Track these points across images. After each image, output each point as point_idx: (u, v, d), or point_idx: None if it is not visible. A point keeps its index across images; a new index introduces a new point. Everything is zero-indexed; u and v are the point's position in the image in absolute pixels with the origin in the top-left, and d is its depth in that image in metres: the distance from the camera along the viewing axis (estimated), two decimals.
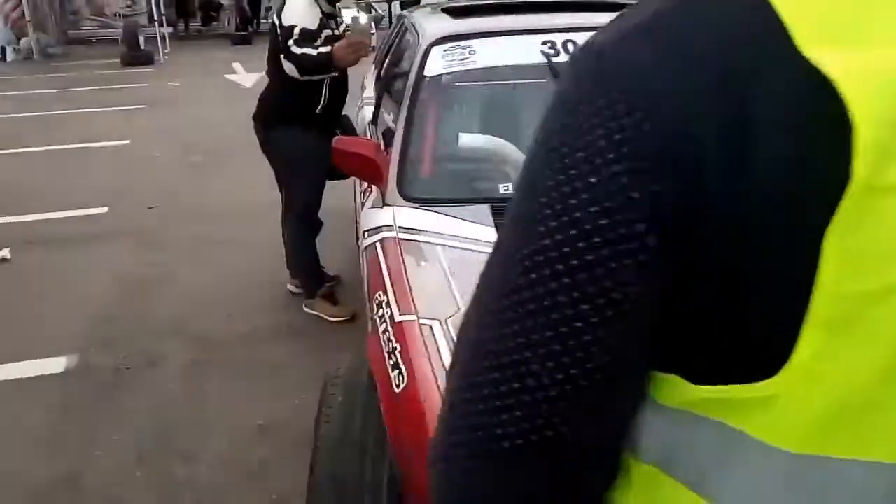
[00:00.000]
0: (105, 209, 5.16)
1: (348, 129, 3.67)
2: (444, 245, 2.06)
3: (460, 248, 2.06)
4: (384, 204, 2.38)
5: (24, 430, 2.69)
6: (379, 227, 2.29)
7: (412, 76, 2.61)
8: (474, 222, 2.17)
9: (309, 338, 3.36)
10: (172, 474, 2.46)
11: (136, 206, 5.21)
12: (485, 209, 2.22)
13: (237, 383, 2.99)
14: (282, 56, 3.09)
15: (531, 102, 2.95)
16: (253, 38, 17.69)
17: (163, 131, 7.81)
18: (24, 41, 15.54)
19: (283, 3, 3.19)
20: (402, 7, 7.85)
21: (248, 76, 11.97)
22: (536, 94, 2.91)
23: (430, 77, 2.60)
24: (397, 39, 3.52)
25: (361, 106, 3.97)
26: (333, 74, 3.23)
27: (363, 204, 2.71)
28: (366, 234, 2.43)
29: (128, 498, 2.36)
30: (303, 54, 3.03)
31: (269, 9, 20.09)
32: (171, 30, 16.38)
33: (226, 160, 6.49)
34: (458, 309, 1.73)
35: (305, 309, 3.60)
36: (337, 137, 2.74)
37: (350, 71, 3.40)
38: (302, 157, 3.35)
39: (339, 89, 3.43)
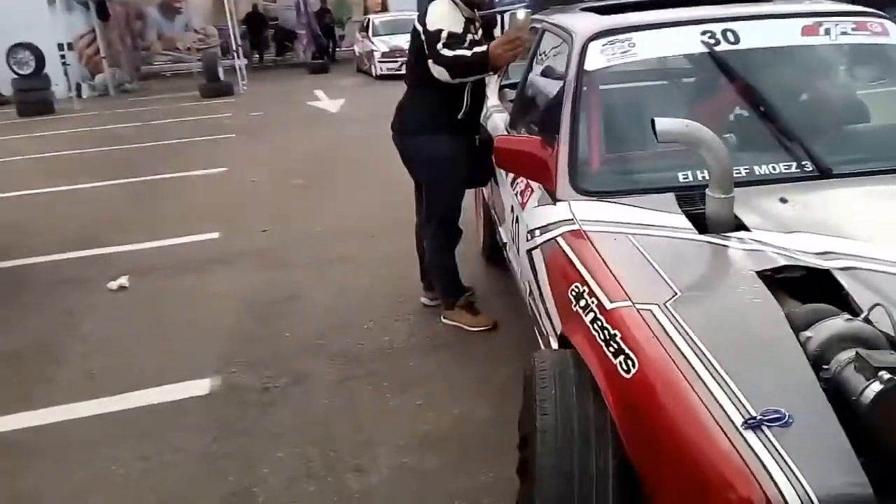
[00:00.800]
0: (216, 234, 5.38)
1: (487, 149, 3.72)
2: (636, 234, 2.09)
3: (653, 235, 2.09)
4: (555, 200, 2.43)
5: (183, 452, 2.79)
6: (555, 223, 2.34)
7: (571, 72, 2.67)
8: (660, 211, 2.20)
9: (452, 349, 3.43)
10: (347, 487, 2.52)
11: (246, 231, 5.42)
12: (669, 197, 2.25)
13: (389, 397, 3.06)
14: (430, 61, 3.16)
15: (693, 91, 3.00)
16: (329, 66, 18.29)
17: (256, 158, 8.13)
18: (98, 77, 16.45)
19: (425, 10, 3.29)
20: None
21: (331, 102, 12.40)
22: (698, 83, 2.97)
23: (593, 71, 2.65)
24: (533, 45, 3.59)
25: (489, 115, 4.05)
26: (488, 74, 3.28)
27: (522, 205, 2.76)
28: (537, 231, 2.48)
29: None
30: (455, 56, 3.10)
31: (342, 37, 20.76)
32: (246, 61, 17.02)
33: (328, 182, 6.73)
34: (676, 293, 1.75)
35: (444, 321, 3.68)
36: (499, 136, 2.82)
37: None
38: (446, 164, 3.44)
39: (480, 95, 3.51)
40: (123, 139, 10.02)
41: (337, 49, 20.43)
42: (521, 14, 3.10)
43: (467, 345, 3.44)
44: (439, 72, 3.16)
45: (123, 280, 4.54)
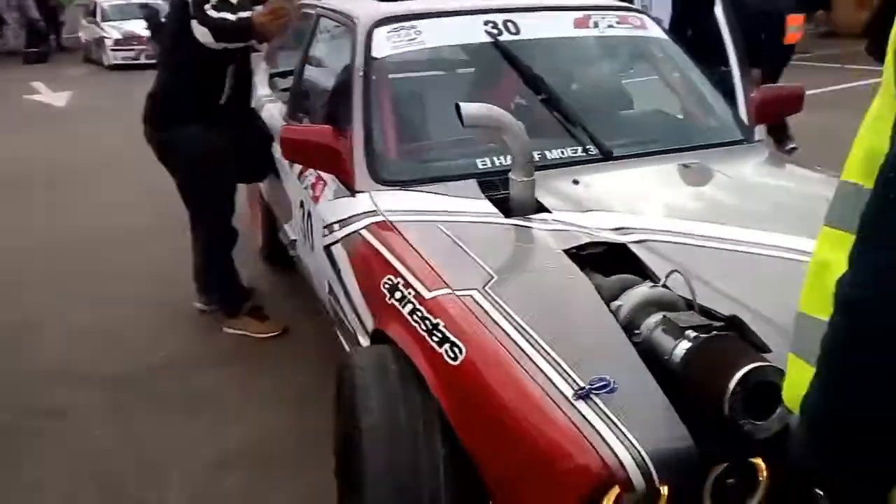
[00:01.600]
0: None
1: (263, 143, 3.62)
2: (444, 221, 2.18)
3: (461, 221, 2.19)
4: (354, 192, 2.45)
5: None
6: (357, 216, 2.37)
7: (358, 59, 2.71)
8: (464, 197, 2.31)
9: (240, 359, 3.34)
10: None
11: None
12: (472, 184, 2.37)
13: (175, 419, 2.90)
14: (194, 22, 3.04)
15: (479, 80, 3.17)
16: (49, 55, 16.83)
17: None
18: None
19: None
20: None
21: (56, 95, 11.44)
22: (483, 72, 3.14)
23: (381, 58, 2.71)
24: (308, 31, 3.59)
25: (262, 105, 3.98)
26: (252, 46, 3.26)
27: (315, 199, 2.76)
28: (335, 226, 2.49)
29: None
30: (220, 17, 3.04)
31: (62, 23, 19.16)
32: None
33: (68, 187, 6.20)
34: (492, 277, 1.86)
35: (227, 330, 3.56)
36: (284, 126, 2.78)
37: None
38: (209, 159, 3.30)
39: (244, 81, 3.44)
40: None
41: (61, 36, 18.83)
42: None
43: (257, 354, 3.36)
44: (203, 33, 3.05)
45: None
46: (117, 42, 14.83)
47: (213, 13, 3.04)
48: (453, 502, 1.69)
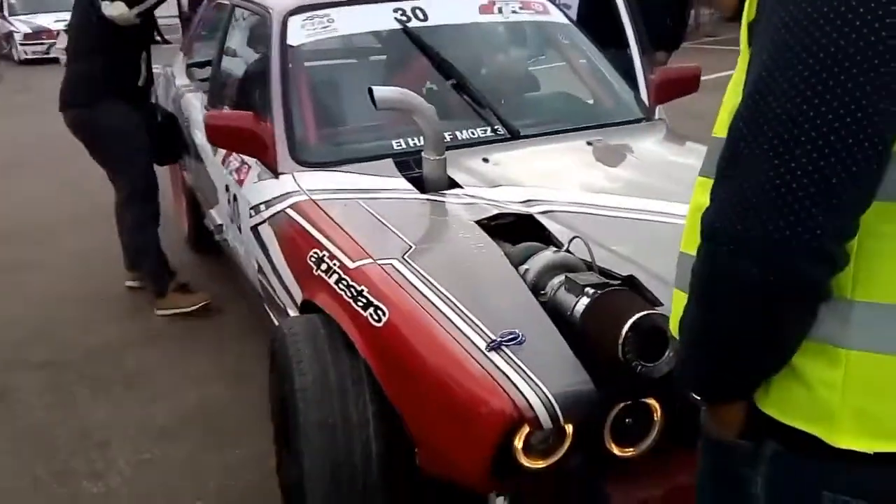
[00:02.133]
0: None
1: (172, 124, 3.80)
2: (363, 198, 2.27)
3: (380, 198, 2.28)
4: (277, 174, 2.51)
5: None
6: (281, 196, 2.43)
7: (274, 47, 2.75)
8: (381, 176, 2.40)
9: (173, 339, 3.36)
10: (86, 494, 2.40)
11: None
12: (388, 163, 2.46)
13: (114, 396, 2.93)
14: (104, 3, 3.15)
15: (391, 65, 3.24)
16: None
17: None
18: None
19: None
20: None
21: None
22: (395, 58, 3.21)
23: (297, 46, 2.76)
24: (223, 21, 3.59)
25: (180, 95, 3.96)
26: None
27: (240, 182, 2.79)
28: (262, 206, 2.54)
29: None
30: None
31: None
32: None
33: None
34: (411, 246, 1.96)
35: (160, 313, 3.57)
36: (208, 112, 2.81)
37: None
38: (134, 134, 3.41)
39: (149, 61, 3.55)
40: None
41: None
42: None
43: (189, 333, 3.38)
44: (116, 6, 3.15)
45: None
46: (27, 36, 14.27)
47: None
48: (382, 452, 1.79)
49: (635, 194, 2.30)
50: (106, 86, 3.36)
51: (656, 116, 3.03)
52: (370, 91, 2.20)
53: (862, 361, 0.84)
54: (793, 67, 0.75)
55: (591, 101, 3.18)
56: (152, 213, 3.57)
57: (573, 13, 10.88)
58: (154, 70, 3.72)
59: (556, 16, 3.27)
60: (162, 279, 3.60)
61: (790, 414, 0.89)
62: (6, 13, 15.31)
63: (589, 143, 2.71)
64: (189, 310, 3.54)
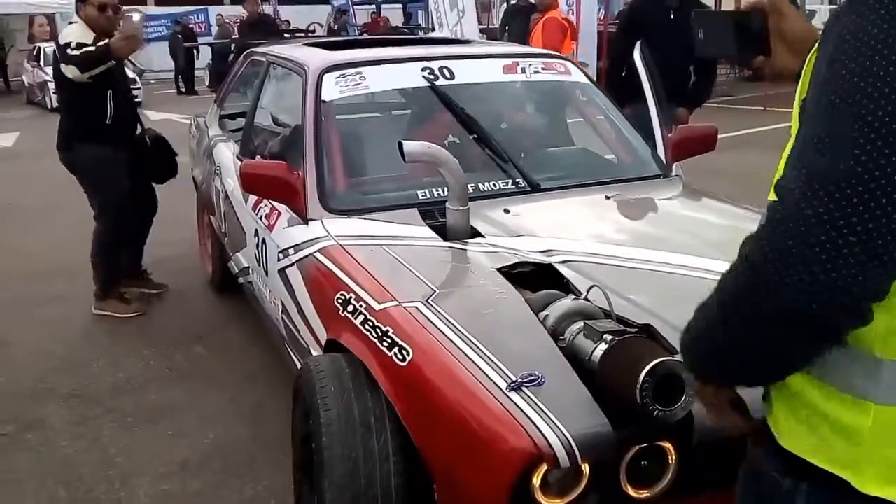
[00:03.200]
0: None
1: (161, 145, 4.22)
2: (389, 244, 2.34)
3: (405, 245, 2.35)
4: (307, 220, 2.59)
5: None
6: (310, 241, 2.50)
7: (309, 102, 2.86)
8: (406, 224, 2.47)
9: (195, 377, 3.40)
10: None
11: None
12: (413, 212, 2.54)
13: (137, 430, 2.97)
14: (62, 65, 3.65)
15: (418, 120, 3.35)
16: None
17: None
18: None
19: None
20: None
21: (4, 136, 11.26)
22: (422, 113, 3.32)
23: (330, 101, 2.87)
24: (258, 77, 3.72)
25: (213, 145, 4.09)
26: (111, 64, 3.68)
27: (270, 228, 2.87)
28: (290, 250, 2.61)
29: None
30: (81, 52, 3.56)
31: (5, 67, 18.79)
32: None
33: (16, 219, 6.21)
34: (435, 291, 2.01)
35: (96, 311, 4.05)
36: (244, 161, 2.90)
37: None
38: (99, 170, 3.87)
39: (125, 101, 3.98)
40: None
41: (8, 80, 18.45)
42: (136, 16, 3.79)
43: (211, 372, 3.43)
44: (71, 70, 3.61)
45: None
46: None
47: (73, 52, 3.59)
48: (402, 486, 1.82)
49: (652, 247, 2.35)
50: (76, 129, 3.86)
51: (673, 173, 3.09)
52: (400, 145, 2.29)
53: (889, 415, 0.89)
54: (845, 133, 0.79)
55: (609, 157, 3.26)
56: (115, 236, 4.01)
57: (591, 71, 11.13)
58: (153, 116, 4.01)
59: (578, 76, 3.38)
60: (107, 284, 4.04)
61: (822, 458, 0.93)
62: (42, 63, 15.74)
63: (607, 198, 2.78)
64: (123, 316, 4.00)
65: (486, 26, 15.07)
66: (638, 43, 3.28)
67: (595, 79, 10.18)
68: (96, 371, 3.47)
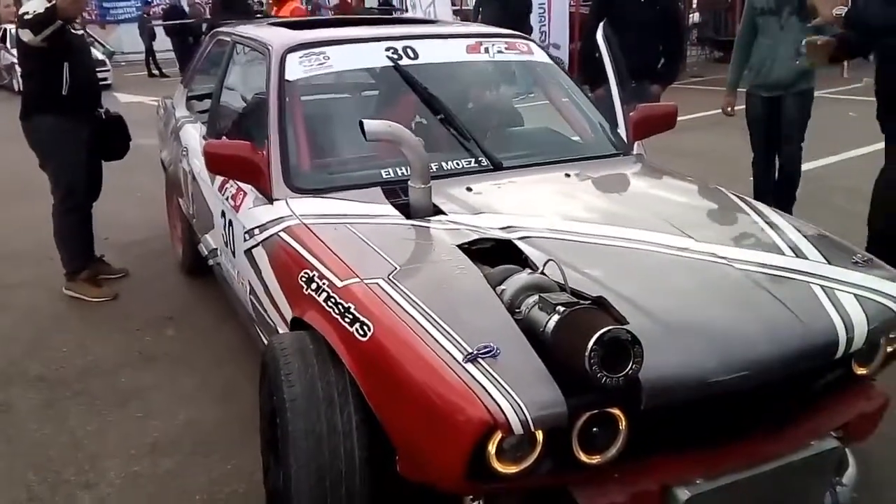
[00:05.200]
0: None
1: (121, 123, 4.32)
2: (352, 223, 2.37)
3: (368, 223, 2.39)
4: (272, 200, 2.61)
5: None
6: (275, 220, 2.53)
7: (273, 82, 2.87)
8: (370, 202, 2.51)
9: (165, 360, 3.43)
10: (77, 500, 2.46)
11: None
12: (377, 191, 2.57)
13: (106, 413, 2.99)
14: (19, 30, 3.80)
15: (382, 100, 3.37)
16: None
17: None
18: None
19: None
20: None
21: None
22: (386, 93, 3.34)
23: (294, 80, 2.89)
24: (224, 57, 3.72)
25: (180, 126, 4.09)
26: (58, 25, 3.71)
27: (236, 208, 2.89)
28: (256, 230, 2.64)
29: None
30: (33, 15, 3.66)
31: None
32: None
33: None
34: (396, 267, 2.06)
35: (66, 292, 4.11)
36: (208, 141, 2.92)
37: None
38: (55, 141, 3.94)
39: (83, 74, 4.03)
40: None
41: None
42: None
43: (181, 354, 3.46)
44: (25, 34, 3.74)
45: None
46: None
47: (27, 17, 3.70)
48: (366, 459, 1.88)
49: (609, 223, 2.41)
50: (34, 99, 3.98)
51: (635, 151, 3.14)
52: (360, 123, 2.32)
53: None
54: None
55: (570, 136, 3.30)
56: (73, 206, 4.05)
57: (563, 53, 11.17)
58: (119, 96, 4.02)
59: (540, 56, 3.42)
60: (75, 264, 4.12)
61: None
62: (8, 45, 15.48)
63: (567, 175, 2.83)
64: (92, 300, 4.05)
65: (459, 7, 15.06)
66: (601, 23, 3.32)
67: (567, 61, 10.30)
68: (65, 354, 3.49)
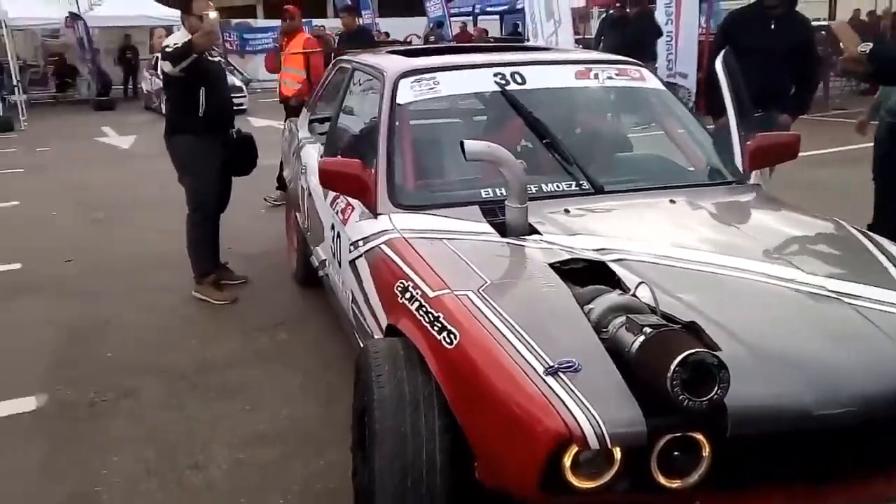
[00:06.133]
0: (18, 265, 5.12)
1: (249, 143, 4.59)
2: (449, 238, 2.41)
3: (464, 239, 2.41)
4: (376, 215, 2.69)
5: (19, 462, 2.77)
6: (378, 233, 2.60)
7: (385, 105, 2.97)
8: (467, 220, 2.54)
9: (274, 361, 3.58)
10: (188, 481, 2.62)
11: (50, 261, 5.18)
12: (475, 209, 2.60)
13: (218, 405, 3.16)
14: (160, 62, 4.19)
15: (488, 124, 3.41)
16: (115, 103, 17.43)
17: (49, 192, 7.69)
18: None
19: None
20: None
21: (122, 139, 11.91)
22: (492, 117, 3.38)
23: (404, 104, 2.97)
24: (343, 82, 3.87)
25: (301, 146, 4.27)
26: (193, 58, 4.00)
27: (344, 222, 2.99)
28: (360, 242, 2.73)
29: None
30: (173, 48, 4.01)
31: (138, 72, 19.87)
32: (24, 97, 15.81)
33: (128, 215, 6.58)
34: (486, 281, 2.07)
35: (194, 294, 4.38)
36: (323, 159, 3.04)
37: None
38: (191, 158, 4.26)
39: (218, 98, 4.32)
40: None
41: (138, 85, 19.51)
42: (213, 14, 4.07)
43: (290, 356, 3.60)
44: (166, 65, 4.08)
45: None
46: None
47: (167, 50, 4.06)
48: (446, 462, 1.89)
49: (709, 249, 2.33)
50: (175, 120, 4.32)
51: (752, 181, 3.00)
52: (461, 144, 2.35)
53: None
54: None
55: (680, 163, 3.21)
56: (204, 217, 4.35)
57: (690, 82, 10.86)
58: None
59: (652, 82, 3.34)
60: (202, 269, 4.40)
61: None
62: (158, 72, 16.57)
63: (672, 202, 2.75)
64: (215, 303, 4.30)
65: (581, 36, 14.96)
66: (723, 51, 3.21)
67: (694, 90, 9.97)
68: (189, 350, 3.70)
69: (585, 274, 2.17)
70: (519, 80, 3.08)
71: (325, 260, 3.47)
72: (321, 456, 2.71)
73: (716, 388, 1.57)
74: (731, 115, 3.06)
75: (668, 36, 10.82)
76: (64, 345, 3.82)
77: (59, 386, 3.34)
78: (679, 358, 1.56)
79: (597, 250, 2.29)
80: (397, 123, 2.94)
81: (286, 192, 5.15)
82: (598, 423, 1.56)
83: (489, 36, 16.36)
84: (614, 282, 2.11)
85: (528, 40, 13.01)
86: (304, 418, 3.00)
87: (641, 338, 1.70)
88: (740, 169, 3.02)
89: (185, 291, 4.43)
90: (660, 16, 10.91)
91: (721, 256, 2.28)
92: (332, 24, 18.68)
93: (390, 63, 3.29)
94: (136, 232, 5.97)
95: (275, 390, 3.25)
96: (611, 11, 12.23)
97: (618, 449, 1.59)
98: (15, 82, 14.80)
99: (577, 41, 12.49)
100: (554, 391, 1.63)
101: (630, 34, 9.24)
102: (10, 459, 2.79)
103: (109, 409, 3.15)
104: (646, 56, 8.14)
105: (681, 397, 1.55)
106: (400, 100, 2.99)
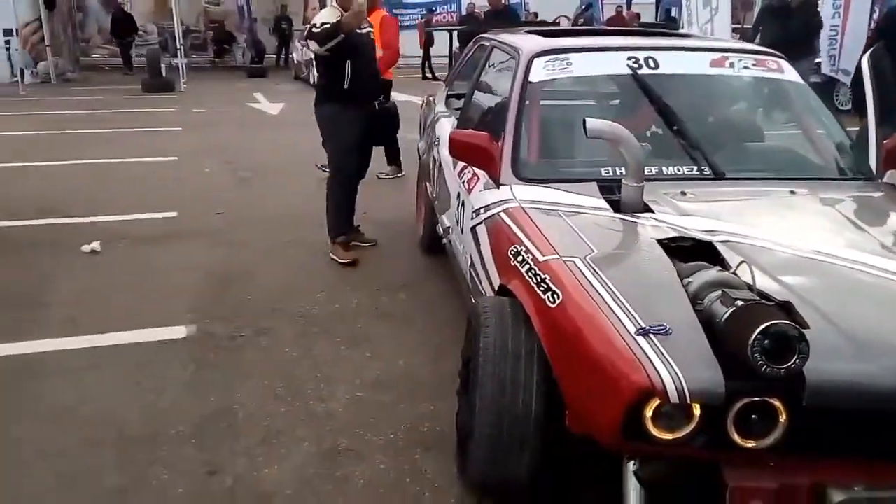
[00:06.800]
0: (175, 213, 5.72)
1: (391, 114, 5.05)
2: (564, 210, 2.60)
3: (579, 212, 2.60)
4: (499, 185, 2.91)
5: (169, 380, 3.22)
6: (498, 202, 2.83)
7: (517, 82, 3.18)
8: (584, 195, 2.72)
9: (395, 317, 3.91)
10: (312, 409, 2.99)
11: (202, 212, 5.77)
12: (593, 186, 2.77)
13: (343, 349, 3.52)
14: (308, 42, 4.48)
15: (618, 106, 3.55)
16: (267, 71, 18.46)
17: (203, 150, 8.42)
18: (41, 65, 16.26)
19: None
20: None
21: (271, 105, 12.68)
22: (622, 100, 3.52)
23: (536, 82, 3.17)
24: (482, 59, 4.11)
25: (437, 119, 4.55)
26: (340, 38, 4.28)
27: (469, 191, 3.24)
28: (482, 210, 2.96)
29: (280, 425, 2.88)
30: (321, 29, 4.30)
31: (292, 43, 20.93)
32: (185, 60, 17.07)
33: (273, 176, 7.15)
34: (594, 250, 2.26)
35: (329, 253, 4.73)
36: (454, 130, 3.30)
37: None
38: (334, 126, 4.62)
39: (364, 70, 4.57)
40: (74, 124, 10.25)
41: (290, 55, 20.63)
42: None
43: (409, 315, 3.92)
44: (312, 45, 4.44)
45: (96, 245, 4.88)
46: None
47: (315, 30, 4.35)
48: (539, 409, 2.11)
49: (822, 239, 2.40)
50: (322, 92, 4.72)
51: (885, 180, 3.00)
52: (583, 121, 2.53)
53: None
54: None
55: (808, 156, 3.23)
56: (342, 181, 4.72)
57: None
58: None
59: (791, 75, 3.36)
60: (337, 229, 4.75)
61: None
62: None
63: (792, 192, 2.82)
64: (339, 261, 4.65)
65: (740, 25, 14.35)
66: (872, 48, 3.19)
67: None
68: (319, 300, 4.09)
69: (691, 252, 2.30)
70: (652, 64, 3.18)
71: (449, 227, 3.73)
72: (429, 402, 3.01)
73: (794, 359, 1.69)
74: (872, 113, 3.06)
75: (832, 30, 10.34)
76: (211, 285, 4.31)
77: (206, 319, 3.81)
78: (762, 327, 1.69)
79: (705, 231, 2.41)
80: (527, 101, 3.14)
81: (395, 167, 5.96)
82: (679, 380, 1.73)
83: (638, 22, 16.05)
84: (718, 261, 2.23)
85: (682, 28, 12.72)
86: (416, 370, 3.31)
87: (732, 309, 1.85)
88: (873, 168, 3.03)
89: (318, 248, 4.83)
90: (827, 8, 10.43)
91: (830, 246, 2.34)
92: (481, 2, 18.89)
93: (526, 42, 3.49)
94: (279, 192, 6.49)
95: (392, 343, 3.57)
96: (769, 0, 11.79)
97: (697, 405, 1.75)
98: (179, 46, 16.01)
99: (735, 30, 12.04)
100: (643, 349, 1.81)
101: (792, 26, 8.92)
102: (165, 376, 3.26)
103: (247, 342, 3.57)
104: (806, 49, 7.84)
105: (759, 363, 1.69)
106: (532, 78, 3.19)
